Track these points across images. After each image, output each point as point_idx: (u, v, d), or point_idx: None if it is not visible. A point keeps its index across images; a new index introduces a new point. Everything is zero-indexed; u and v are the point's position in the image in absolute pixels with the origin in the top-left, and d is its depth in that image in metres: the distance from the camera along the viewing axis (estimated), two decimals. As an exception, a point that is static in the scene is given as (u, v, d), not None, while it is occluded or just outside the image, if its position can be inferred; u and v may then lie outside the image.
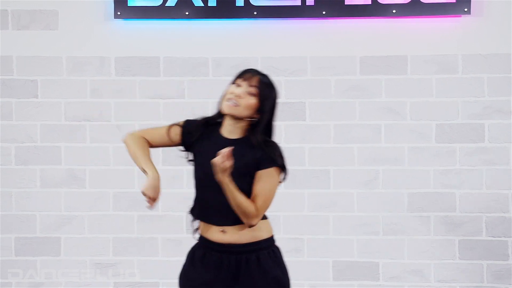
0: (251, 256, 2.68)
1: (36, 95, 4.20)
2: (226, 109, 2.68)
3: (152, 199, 2.63)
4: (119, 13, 4.11)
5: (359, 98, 4.12)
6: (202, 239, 2.75)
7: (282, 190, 4.14)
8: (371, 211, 4.10)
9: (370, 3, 4.03)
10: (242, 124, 2.70)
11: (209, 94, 4.13)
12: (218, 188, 2.59)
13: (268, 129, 2.72)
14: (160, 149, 4.05)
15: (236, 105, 2.66)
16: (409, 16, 4.02)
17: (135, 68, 4.17)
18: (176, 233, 4.16)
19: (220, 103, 2.72)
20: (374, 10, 4.03)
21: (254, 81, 2.68)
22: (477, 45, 4.02)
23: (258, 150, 2.65)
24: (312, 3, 4.05)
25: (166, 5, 4.11)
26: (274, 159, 2.64)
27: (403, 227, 4.09)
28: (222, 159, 2.49)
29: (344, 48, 4.11)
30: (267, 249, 2.71)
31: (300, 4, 4.06)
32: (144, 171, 2.67)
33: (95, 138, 4.19)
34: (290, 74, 4.15)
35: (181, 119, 4.06)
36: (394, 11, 4.02)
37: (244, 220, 2.62)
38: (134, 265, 4.19)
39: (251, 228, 2.66)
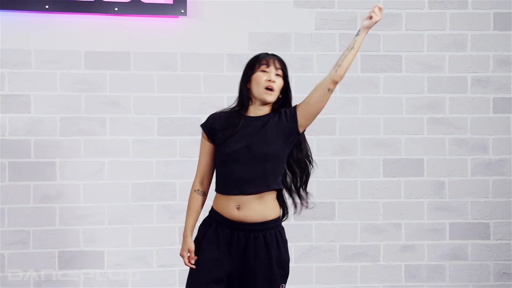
0: (259, 235, 2.79)
1: None
2: (270, 98, 2.78)
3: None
4: None
5: (85, 91, 4.24)
6: (215, 213, 2.85)
7: (5, 182, 4.17)
8: (98, 201, 4.24)
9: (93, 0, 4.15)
10: (270, 105, 2.83)
11: None
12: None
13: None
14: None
15: (273, 90, 2.78)
16: (130, 14, 4.20)
17: None
18: None
19: (244, 91, 2.80)
20: (97, 7, 4.15)
21: (278, 63, 2.81)
22: (193, 44, 4.29)
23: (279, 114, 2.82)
24: (34, -3, 4.09)
25: None
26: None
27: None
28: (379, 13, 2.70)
29: (69, 42, 4.20)
30: (274, 229, 2.82)
31: (20, -3, 4.09)
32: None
33: None
34: (14, 67, 4.17)
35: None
36: (116, 9, 4.17)
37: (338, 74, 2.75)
38: None
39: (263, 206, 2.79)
